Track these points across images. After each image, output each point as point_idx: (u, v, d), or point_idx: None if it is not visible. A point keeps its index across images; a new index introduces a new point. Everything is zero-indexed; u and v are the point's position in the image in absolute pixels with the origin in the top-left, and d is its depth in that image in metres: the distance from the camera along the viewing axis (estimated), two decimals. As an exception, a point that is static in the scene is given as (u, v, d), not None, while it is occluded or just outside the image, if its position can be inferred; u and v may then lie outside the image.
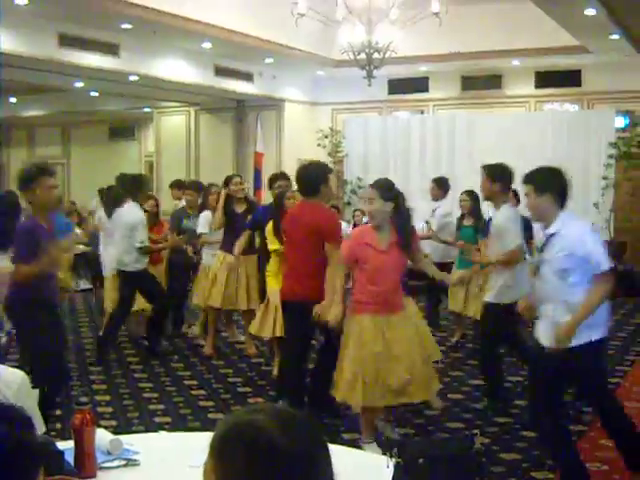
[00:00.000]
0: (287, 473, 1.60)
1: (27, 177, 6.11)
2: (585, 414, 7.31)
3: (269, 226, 8.18)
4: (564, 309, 5.22)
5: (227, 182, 9.87)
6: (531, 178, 5.68)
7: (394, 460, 2.70)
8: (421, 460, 2.72)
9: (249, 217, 9.33)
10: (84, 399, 3.39)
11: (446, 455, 2.81)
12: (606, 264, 5.15)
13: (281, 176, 9.38)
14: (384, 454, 2.85)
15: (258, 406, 1.72)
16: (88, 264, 14.97)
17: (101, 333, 9.99)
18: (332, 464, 1.69)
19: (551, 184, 5.51)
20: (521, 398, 7.85)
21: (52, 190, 6.12)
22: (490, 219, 8.41)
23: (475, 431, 2.94)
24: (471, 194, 10.14)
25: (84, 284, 15.13)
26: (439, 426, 7.04)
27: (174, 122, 20.33)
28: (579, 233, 5.31)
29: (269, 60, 16.65)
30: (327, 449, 1.69)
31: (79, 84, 17.38)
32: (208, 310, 9.84)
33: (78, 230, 15.28)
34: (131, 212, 9.47)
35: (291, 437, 1.62)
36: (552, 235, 5.31)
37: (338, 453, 3.47)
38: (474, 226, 9.98)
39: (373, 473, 3.03)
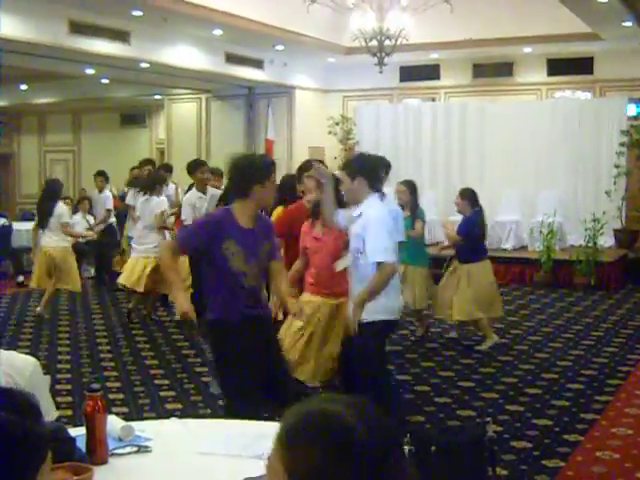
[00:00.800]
0: (363, 463, 1.51)
1: (264, 170, 5.29)
2: (597, 402, 7.31)
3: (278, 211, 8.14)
4: (360, 287, 5.57)
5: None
6: (345, 165, 6.03)
7: (406, 447, 2.69)
8: (433, 448, 2.71)
9: None
10: (95, 386, 3.39)
11: (458, 443, 2.80)
12: (375, 256, 5.44)
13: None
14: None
15: (329, 396, 1.64)
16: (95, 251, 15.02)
17: None
18: (407, 466, 1.60)
19: (361, 169, 5.71)
20: (532, 386, 7.85)
21: (273, 191, 5.51)
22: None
23: (487, 419, 2.93)
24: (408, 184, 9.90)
25: (95, 271, 15.15)
26: (450, 414, 7.03)
27: (185, 109, 20.33)
28: (371, 217, 5.56)
29: (280, 47, 16.60)
30: (401, 446, 1.61)
31: (90, 71, 17.37)
32: None
33: (90, 217, 15.33)
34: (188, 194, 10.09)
35: (368, 426, 1.53)
36: (358, 216, 5.63)
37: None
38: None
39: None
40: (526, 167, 16.44)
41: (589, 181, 16.21)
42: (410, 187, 9.67)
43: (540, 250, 14.27)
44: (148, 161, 13.86)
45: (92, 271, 15.07)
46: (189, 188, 10.45)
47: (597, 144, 16.08)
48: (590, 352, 9.30)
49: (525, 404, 7.28)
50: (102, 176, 14.54)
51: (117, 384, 7.98)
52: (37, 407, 1.81)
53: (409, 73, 18.66)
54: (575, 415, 6.94)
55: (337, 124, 18.54)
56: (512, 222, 15.66)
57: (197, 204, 9.76)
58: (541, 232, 14.33)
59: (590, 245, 13.95)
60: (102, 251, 14.38)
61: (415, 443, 2.71)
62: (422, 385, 7.93)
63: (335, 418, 1.54)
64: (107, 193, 14.44)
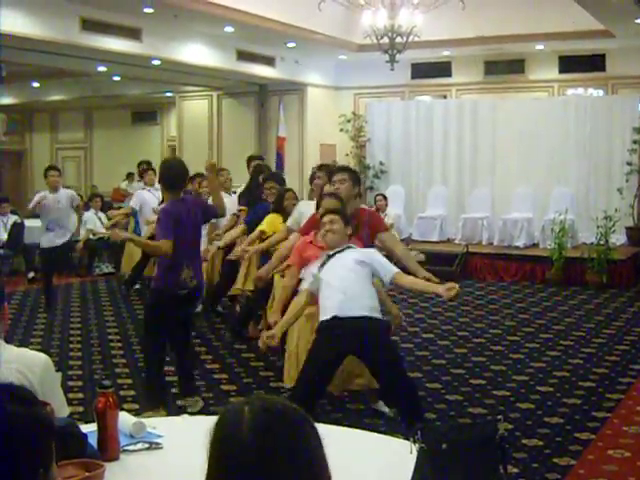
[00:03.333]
0: (239, 464, 1.64)
1: None
2: (608, 401, 7.29)
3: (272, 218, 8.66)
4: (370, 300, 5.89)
5: (264, 178, 9.98)
6: (344, 168, 6.94)
7: (417, 445, 2.69)
8: (444, 445, 2.70)
9: None
10: (107, 382, 3.36)
11: (470, 440, 2.79)
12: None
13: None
14: (407, 439, 2.84)
15: (254, 397, 1.76)
16: (110, 248, 15.06)
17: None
18: (300, 468, 1.68)
19: (359, 179, 6.61)
20: (544, 384, 7.83)
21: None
22: None
23: (499, 417, 2.92)
24: None
25: (106, 268, 15.20)
26: (461, 412, 7.03)
27: (196, 106, 20.34)
28: None
29: (291, 44, 16.60)
30: (293, 452, 1.68)
31: (101, 68, 17.41)
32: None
33: (101, 214, 15.39)
34: None
35: (257, 432, 1.65)
36: None
37: (361, 438, 3.47)
38: None
39: (396, 458, 3.03)
40: (538, 164, 16.41)
41: (601, 179, 16.16)
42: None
43: (552, 248, 14.24)
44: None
45: (103, 267, 15.16)
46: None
47: (609, 141, 16.03)
48: (602, 350, 9.27)
49: (536, 402, 7.27)
50: (57, 170, 12.09)
51: (128, 381, 8.00)
52: (33, 396, 1.86)
53: (420, 70, 18.63)
54: (586, 413, 6.92)
55: (349, 121, 18.54)
56: (524, 219, 15.63)
57: None
58: (553, 230, 14.31)
59: (602, 243, 13.91)
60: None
61: (426, 440, 2.70)
62: (433, 382, 7.92)
63: (229, 420, 1.70)
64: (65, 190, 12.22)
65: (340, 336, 5.68)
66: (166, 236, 6.51)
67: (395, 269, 5.87)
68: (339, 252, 5.93)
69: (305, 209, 7.77)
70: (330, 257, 5.92)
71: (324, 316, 5.78)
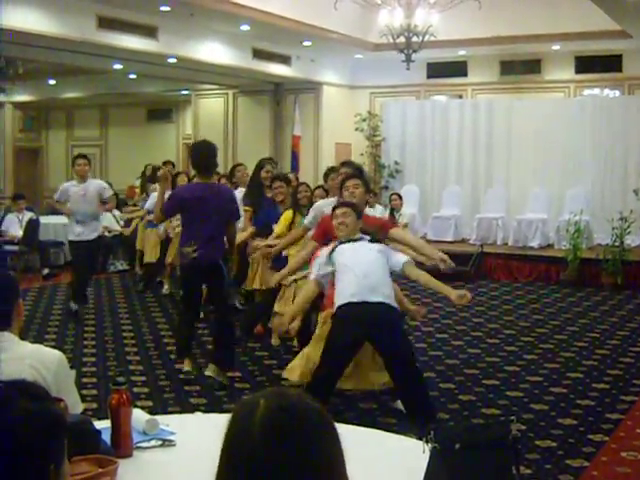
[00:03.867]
0: (247, 459, 1.59)
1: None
2: (622, 402, 7.27)
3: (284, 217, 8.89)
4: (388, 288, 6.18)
5: (261, 167, 10.12)
6: (357, 174, 7.35)
7: (430, 445, 2.68)
8: (457, 445, 2.70)
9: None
10: (121, 379, 3.37)
11: (483, 441, 2.79)
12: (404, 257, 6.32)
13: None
14: (420, 439, 2.84)
15: (273, 391, 1.69)
16: (125, 245, 15.11)
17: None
18: (309, 471, 1.60)
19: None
20: (557, 385, 7.82)
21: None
22: None
23: (512, 417, 2.92)
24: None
25: (121, 265, 15.25)
26: (474, 412, 7.02)
27: (212, 105, 20.35)
28: None
29: (307, 43, 16.59)
30: (303, 454, 1.60)
31: (117, 66, 17.44)
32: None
33: (117, 212, 15.43)
34: None
35: (267, 429, 1.59)
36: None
37: (374, 437, 3.48)
38: None
39: (409, 457, 3.02)
40: (553, 165, 16.38)
41: (617, 179, 16.11)
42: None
43: (567, 248, 14.21)
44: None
45: (125, 265, 15.22)
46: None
47: (625, 142, 15.98)
48: (616, 352, 9.24)
49: (550, 403, 7.26)
50: (86, 158, 11.05)
51: (142, 378, 8.02)
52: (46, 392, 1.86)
53: (436, 70, 18.58)
54: (600, 415, 6.91)
55: (364, 120, 18.53)
56: (539, 220, 15.59)
57: None
58: (568, 230, 14.27)
59: (617, 244, 13.87)
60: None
61: (439, 440, 2.69)
62: (447, 383, 7.91)
63: (241, 415, 1.64)
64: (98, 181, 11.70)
65: (357, 320, 5.83)
66: (162, 210, 7.56)
67: (405, 258, 6.01)
68: (353, 240, 6.10)
69: (325, 207, 7.76)
70: (342, 243, 6.09)
71: (342, 300, 5.89)
